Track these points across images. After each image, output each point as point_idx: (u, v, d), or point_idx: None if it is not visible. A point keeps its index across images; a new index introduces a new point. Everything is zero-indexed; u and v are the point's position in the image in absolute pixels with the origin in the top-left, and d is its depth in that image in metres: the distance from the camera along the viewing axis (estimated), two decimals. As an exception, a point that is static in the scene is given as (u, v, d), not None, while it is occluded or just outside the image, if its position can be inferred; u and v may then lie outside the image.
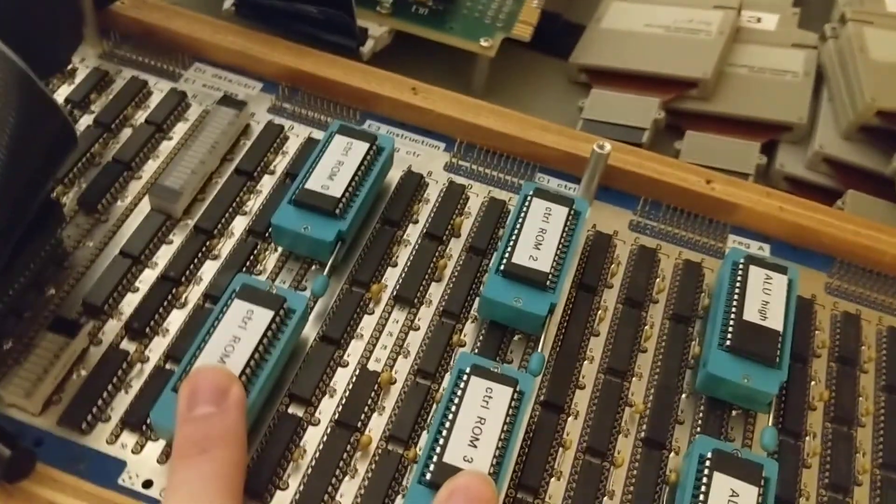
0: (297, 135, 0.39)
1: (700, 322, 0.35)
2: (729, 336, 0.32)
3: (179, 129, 0.38)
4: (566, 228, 0.34)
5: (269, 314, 0.30)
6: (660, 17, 0.47)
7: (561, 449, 0.31)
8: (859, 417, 0.33)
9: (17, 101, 0.25)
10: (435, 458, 0.27)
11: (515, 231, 0.34)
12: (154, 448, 0.29)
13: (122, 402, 0.30)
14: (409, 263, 0.35)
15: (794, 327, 0.33)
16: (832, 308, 0.36)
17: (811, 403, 0.33)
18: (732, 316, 0.32)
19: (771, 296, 0.33)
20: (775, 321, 0.32)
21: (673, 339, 0.34)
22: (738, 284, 0.33)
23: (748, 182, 0.38)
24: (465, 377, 0.29)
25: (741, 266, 0.34)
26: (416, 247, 0.35)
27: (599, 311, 0.34)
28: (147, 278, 0.33)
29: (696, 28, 0.46)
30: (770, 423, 0.31)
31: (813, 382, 0.33)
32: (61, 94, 0.39)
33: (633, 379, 0.33)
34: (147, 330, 0.32)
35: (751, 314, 0.32)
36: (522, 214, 0.34)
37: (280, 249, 0.35)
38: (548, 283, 0.32)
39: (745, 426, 0.32)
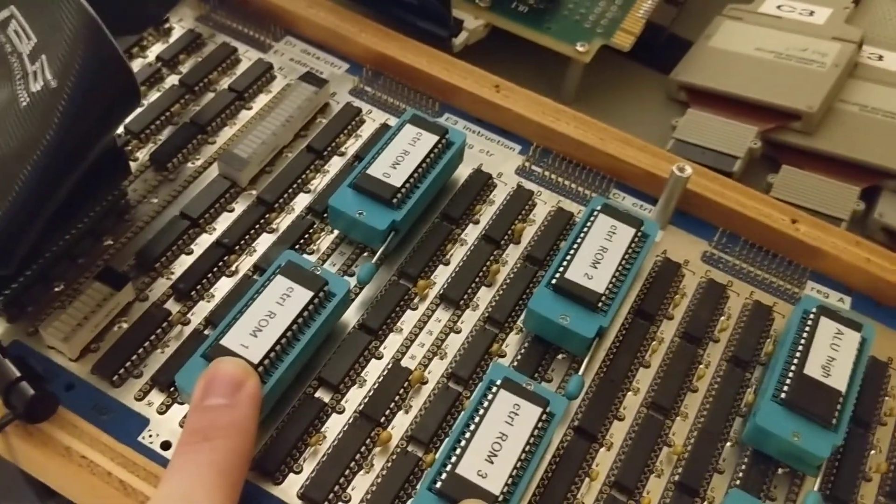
0: (374, 119, 0.38)
1: (760, 369, 0.32)
2: (785, 389, 0.29)
3: (260, 100, 0.38)
4: (629, 250, 0.32)
5: (308, 294, 0.30)
6: (773, 42, 0.45)
7: (587, 479, 0.29)
8: (919, 498, 0.30)
9: (84, 49, 0.25)
10: (448, 468, 0.26)
11: (575, 245, 0.32)
12: (179, 411, 0.29)
13: (156, 361, 0.30)
14: (461, 263, 0.34)
15: (861, 389, 0.30)
16: (909, 375, 0.33)
17: (866, 473, 0.30)
18: (792, 368, 0.30)
19: (839, 353, 0.30)
20: (839, 380, 0.30)
21: (727, 382, 0.32)
22: (804, 335, 0.31)
23: (837, 228, 0.36)
24: (494, 389, 0.28)
25: (812, 316, 0.31)
26: (472, 248, 0.34)
27: (654, 342, 0.33)
28: (203, 242, 0.33)
29: (810, 58, 0.43)
30: (816, 488, 0.29)
31: (873, 451, 0.31)
32: (154, 50, 0.39)
33: (677, 418, 0.31)
34: (193, 293, 0.32)
35: (813, 369, 0.30)
36: (585, 229, 0.33)
37: (335, 232, 0.34)
38: (599, 304, 0.31)
39: (790, 487, 0.30)
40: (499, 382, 0.28)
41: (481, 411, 0.28)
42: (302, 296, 0.30)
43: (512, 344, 0.32)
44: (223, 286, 0.32)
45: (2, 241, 0.25)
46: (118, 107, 0.27)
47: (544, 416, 0.28)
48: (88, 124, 0.26)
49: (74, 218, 0.32)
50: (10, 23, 0.28)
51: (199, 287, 0.32)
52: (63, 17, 0.26)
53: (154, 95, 0.37)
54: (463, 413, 0.28)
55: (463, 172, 0.37)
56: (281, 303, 0.29)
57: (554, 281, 0.31)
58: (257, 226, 0.34)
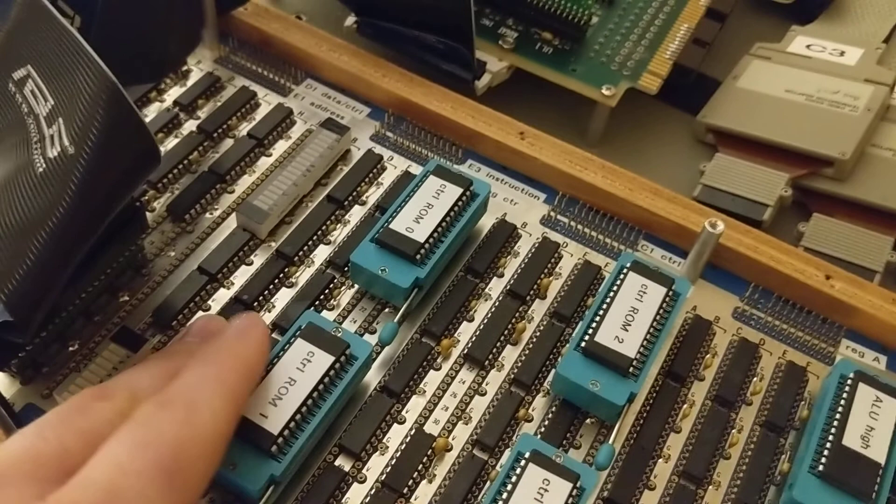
0: (396, 166, 0.37)
1: (794, 434, 0.31)
2: (823, 461, 0.28)
3: (280, 147, 0.38)
4: (661, 311, 0.31)
5: (330, 359, 0.29)
6: (803, 83, 0.43)
7: (617, 553, 0.28)
8: (963, 577, 0.29)
9: (103, 115, 0.24)
10: (475, 548, 0.25)
11: (604, 305, 0.31)
12: (195, 479, 0.28)
13: (172, 425, 0.29)
14: (485, 320, 0.33)
15: (901, 459, 0.29)
16: (950, 442, 0.32)
17: (907, 550, 0.29)
18: (830, 438, 0.29)
19: (878, 422, 0.29)
20: (878, 451, 0.29)
21: (761, 449, 0.31)
22: (842, 403, 0.30)
23: (872, 284, 0.35)
24: (522, 462, 0.27)
25: (850, 382, 0.30)
26: (497, 303, 0.33)
27: (685, 406, 0.32)
28: (221, 297, 0.33)
29: (842, 101, 0.42)
30: (856, 567, 0.28)
31: (914, 525, 0.30)
32: (172, 94, 0.39)
33: (710, 487, 0.30)
34: (210, 353, 0.31)
35: (851, 439, 0.29)
36: (615, 288, 0.32)
37: (356, 287, 0.33)
38: (631, 369, 0.30)
39: (828, 563, 0.29)
40: (527, 455, 0.27)
41: (509, 486, 0.27)
42: (323, 361, 0.29)
43: (539, 408, 0.31)
44: (242, 345, 0.32)
45: (18, 312, 0.25)
46: (137, 172, 0.26)
47: (574, 492, 0.27)
48: (106, 191, 0.25)
49: (91, 275, 0.31)
50: (27, 82, 0.27)
51: (217, 346, 0.31)
52: (81, 80, 0.25)
53: (172, 143, 0.37)
54: (490, 487, 0.27)
55: (486, 222, 0.36)
56: (301, 368, 0.28)
57: (583, 344, 0.30)
58: (276, 280, 0.33)
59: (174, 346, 0.28)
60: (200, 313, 0.32)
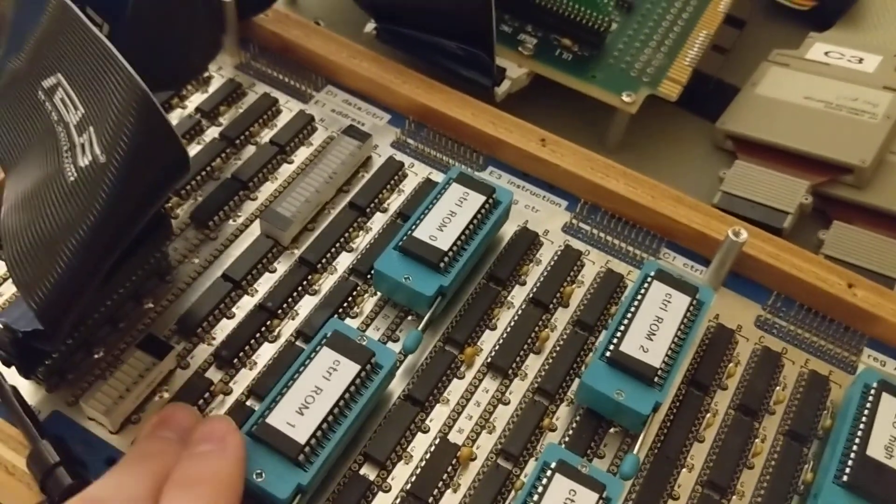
0: (417, 173, 0.37)
1: (818, 443, 0.31)
2: (847, 471, 0.28)
3: (302, 154, 0.38)
4: (685, 320, 0.31)
5: (356, 368, 0.29)
6: (822, 90, 0.43)
7: (642, 562, 0.28)
8: None
9: (134, 124, 0.24)
10: (503, 558, 0.26)
11: (629, 315, 0.31)
12: (221, 487, 0.28)
13: (198, 433, 0.29)
14: (508, 329, 0.33)
15: (927, 471, 0.29)
16: (974, 453, 0.32)
17: (933, 561, 0.29)
18: (854, 448, 0.29)
19: (904, 432, 0.29)
20: (904, 463, 0.29)
21: (785, 458, 0.31)
22: (866, 412, 0.30)
23: (894, 293, 0.35)
24: (549, 472, 0.27)
25: (873, 391, 0.30)
26: (520, 311, 0.33)
27: (708, 415, 0.32)
28: (244, 305, 0.33)
29: (861, 108, 0.42)
30: (882, 578, 0.28)
31: (939, 536, 0.30)
32: (193, 101, 0.39)
33: (734, 497, 0.30)
34: (235, 360, 0.31)
35: (875, 450, 0.29)
36: (639, 297, 0.32)
37: (379, 294, 0.33)
38: (656, 379, 0.30)
39: (853, 573, 0.29)
40: (553, 465, 0.27)
41: (535, 496, 0.27)
42: (349, 369, 0.29)
43: (562, 417, 0.31)
44: (265, 352, 0.32)
45: (48, 320, 0.25)
46: (167, 180, 0.26)
47: (601, 502, 0.27)
48: (136, 200, 0.25)
49: (117, 283, 0.31)
50: (57, 91, 0.27)
51: (241, 354, 0.31)
52: (112, 88, 0.25)
53: (195, 149, 0.37)
54: (516, 497, 0.27)
55: (508, 230, 0.36)
56: (327, 377, 0.29)
57: (608, 353, 0.30)
58: (300, 288, 0.33)
59: (153, 444, 0.26)
60: (224, 322, 0.32)
